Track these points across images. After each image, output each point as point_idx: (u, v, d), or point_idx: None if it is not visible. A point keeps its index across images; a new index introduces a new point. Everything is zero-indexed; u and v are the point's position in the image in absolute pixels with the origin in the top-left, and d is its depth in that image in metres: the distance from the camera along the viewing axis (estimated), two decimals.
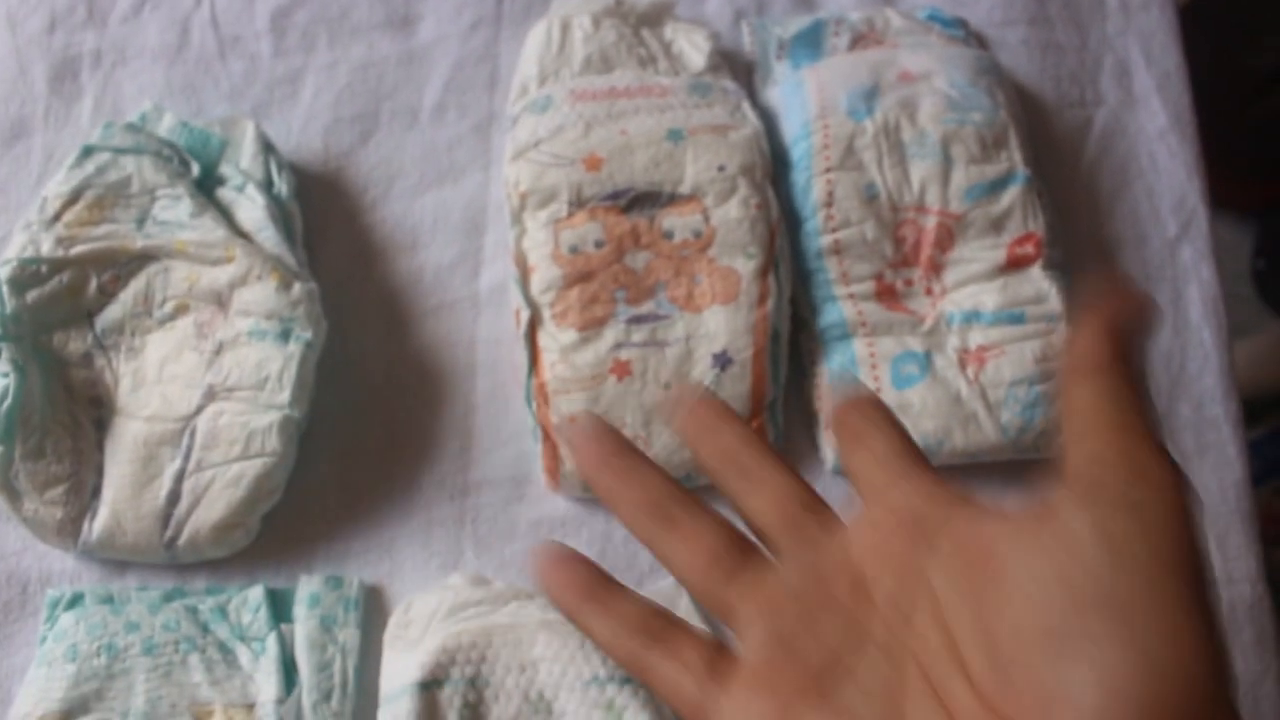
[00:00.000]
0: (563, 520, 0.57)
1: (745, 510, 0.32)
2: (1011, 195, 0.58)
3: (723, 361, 0.55)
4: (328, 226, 0.61)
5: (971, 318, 0.57)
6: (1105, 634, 0.24)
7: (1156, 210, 0.64)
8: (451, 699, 0.50)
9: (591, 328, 0.56)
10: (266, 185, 0.59)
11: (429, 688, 0.51)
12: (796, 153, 0.59)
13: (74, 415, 0.56)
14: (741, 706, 0.28)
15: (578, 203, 0.57)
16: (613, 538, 0.56)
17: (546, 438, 0.55)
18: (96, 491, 0.55)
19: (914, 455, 0.31)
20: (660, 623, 0.31)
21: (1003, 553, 0.26)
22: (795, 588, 0.30)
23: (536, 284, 0.56)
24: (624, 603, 0.32)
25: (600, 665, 0.50)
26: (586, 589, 0.32)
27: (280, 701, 0.52)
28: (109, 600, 0.55)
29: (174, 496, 0.54)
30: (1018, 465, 0.57)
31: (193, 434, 0.55)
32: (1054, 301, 0.57)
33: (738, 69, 0.65)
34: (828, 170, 0.58)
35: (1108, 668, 0.23)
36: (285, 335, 0.55)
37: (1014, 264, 0.58)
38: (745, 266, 0.56)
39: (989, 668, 0.25)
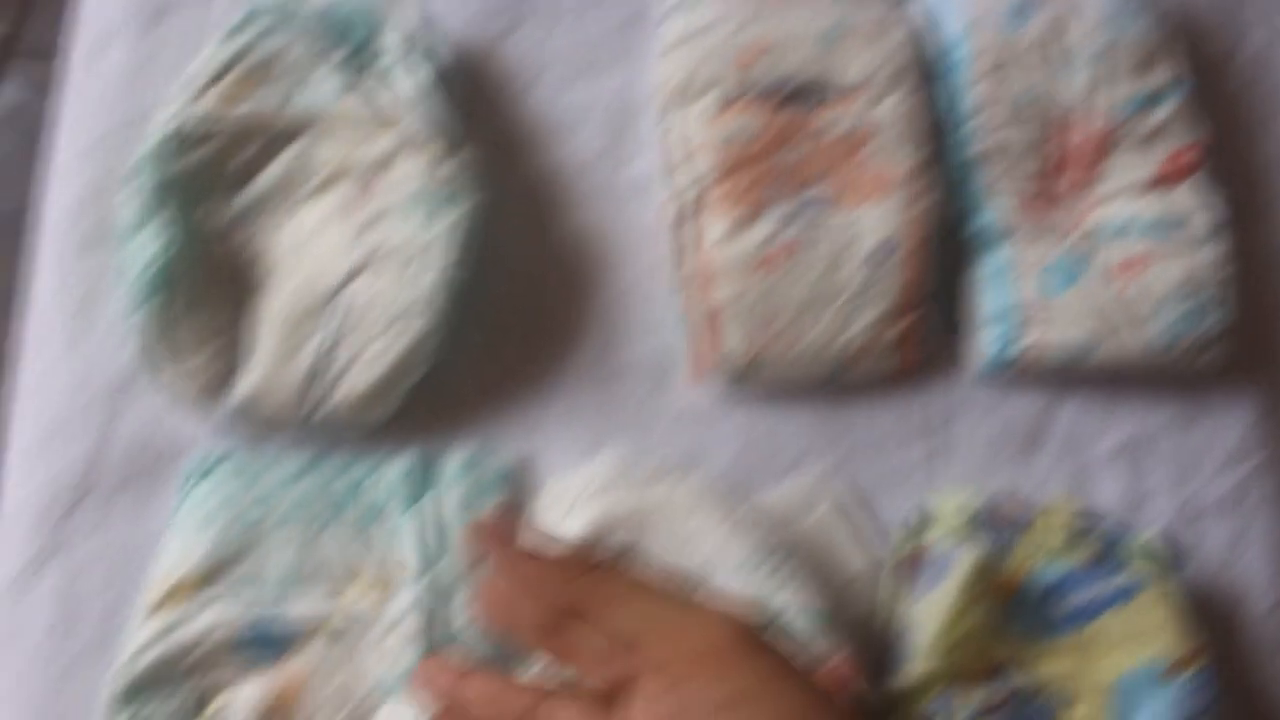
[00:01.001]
0: (706, 410, 0.56)
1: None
2: (1167, 110, 0.58)
3: (881, 254, 0.55)
4: (474, 116, 0.60)
5: (1122, 231, 0.57)
6: None
7: None
8: None
9: (747, 217, 0.55)
10: (422, 60, 0.58)
11: None
12: (952, 59, 0.59)
13: (221, 281, 0.56)
14: None
15: (733, 96, 0.57)
16: (756, 428, 0.56)
17: (706, 319, 0.55)
18: (242, 356, 0.55)
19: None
20: None
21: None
22: None
23: (691, 174, 0.56)
24: None
25: (753, 548, 0.50)
26: None
27: (424, 570, 0.52)
28: (250, 465, 0.54)
29: (320, 365, 0.54)
30: (1163, 379, 0.57)
31: (341, 304, 0.55)
32: (1207, 216, 0.57)
33: None
34: (982, 78, 0.58)
35: None
36: (441, 206, 0.55)
37: (1166, 179, 0.58)
38: (902, 164, 0.56)
39: None
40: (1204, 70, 0.64)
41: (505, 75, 0.62)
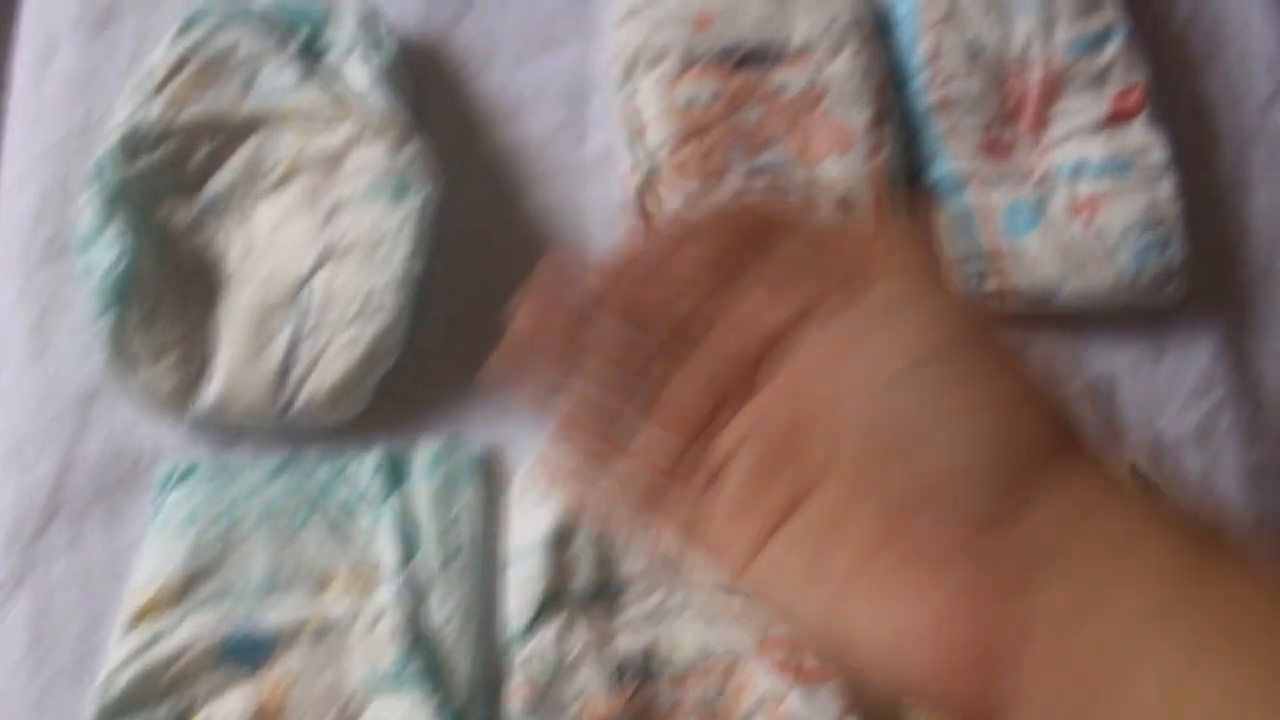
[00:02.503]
0: None
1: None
2: (1113, 49, 0.59)
3: (845, 208, 0.55)
4: (429, 100, 0.60)
5: (1079, 170, 0.57)
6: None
7: (1250, 71, 0.64)
8: (582, 553, 0.50)
9: (712, 178, 0.56)
10: (372, 50, 0.58)
11: (560, 542, 0.50)
12: (900, 10, 0.59)
13: (184, 283, 0.55)
14: (726, 533, 0.30)
15: (689, 60, 0.57)
16: None
17: None
18: (209, 358, 0.54)
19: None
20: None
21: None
22: (772, 416, 0.30)
23: (651, 140, 0.56)
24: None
25: None
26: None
27: (401, 566, 0.51)
28: (222, 470, 0.54)
29: (289, 360, 0.54)
30: (1127, 317, 0.58)
31: (308, 296, 0.54)
32: (1159, 152, 0.58)
33: None
34: (932, 26, 0.59)
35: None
36: (400, 193, 0.55)
37: (1118, 117, 0.58)
38: (858, 119, 0.56)
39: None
40: (1148, 4, 0.65)
41: (458, 57, 0.62)
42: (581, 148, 0.60)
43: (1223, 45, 0.65)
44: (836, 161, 0.56)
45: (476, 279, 0.58)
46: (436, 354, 0.57)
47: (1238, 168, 0.62)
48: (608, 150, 0.59)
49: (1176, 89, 0.63)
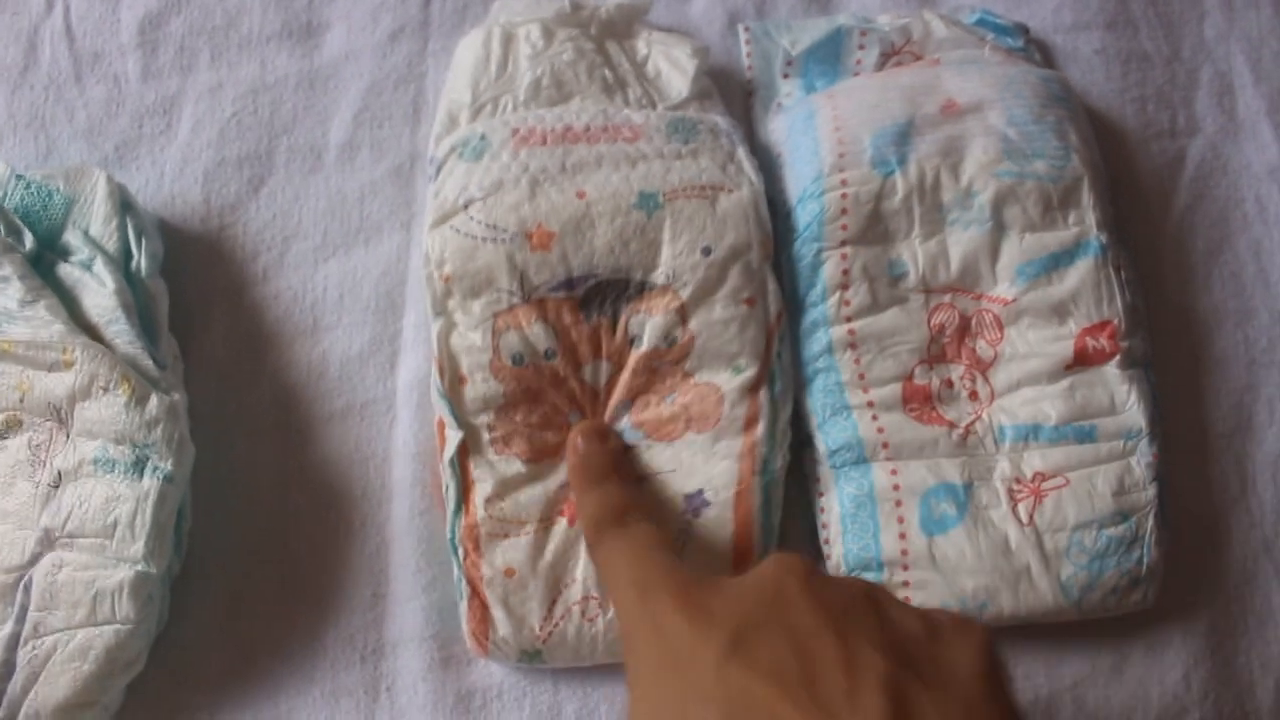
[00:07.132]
0: (499, 690, 0.45)
1: None
2: (1081, 271, 0.45)
3: (696, 504, 0.43)
4: (208, 304, 0.48)
5: (1028, 434, 0.44)
6: None
7: (1265, 272, 0.50)
8: None
9: (541, 459, 0.43)
10: (122, 258, 0.46)
11: None
12: (803, 216, 0.46)
13: None
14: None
15: (522, 293, 0.44)
16: (562, 712, 0.45)
17: (475, 594, 0.43)
18: None
19: None
20: None
21: None
22: None
23: (470, 399, 0.44)
24: None
25: None
26: None
27: None
28: None
29: (8, 668, 0.43)
30: (1081, 625, 0.45)
31: (27, 589, 0.43)
32: (1134, 412, 0.44)
33: (732, 91, 0.51)
34: (844, 243, 0.45)
35: None
36: (139, 466, 0.43)
37: (1083, 360, 0.45)
38: (730, 382, 0.43)
39: None
40: (1139, 191, 0.51)
41: (250, 246, 0.49)
42: (394, 374, 0.48)
43: (1232, 237, 0.51)
44: (696, 440, 0.43)
45: (255, 550, 0.46)
46: (204, 645, 0.45)
47: (1241, 401, 0.49)
48: (425, 380, 0.47)
49: (1170, 302, 0.50)
